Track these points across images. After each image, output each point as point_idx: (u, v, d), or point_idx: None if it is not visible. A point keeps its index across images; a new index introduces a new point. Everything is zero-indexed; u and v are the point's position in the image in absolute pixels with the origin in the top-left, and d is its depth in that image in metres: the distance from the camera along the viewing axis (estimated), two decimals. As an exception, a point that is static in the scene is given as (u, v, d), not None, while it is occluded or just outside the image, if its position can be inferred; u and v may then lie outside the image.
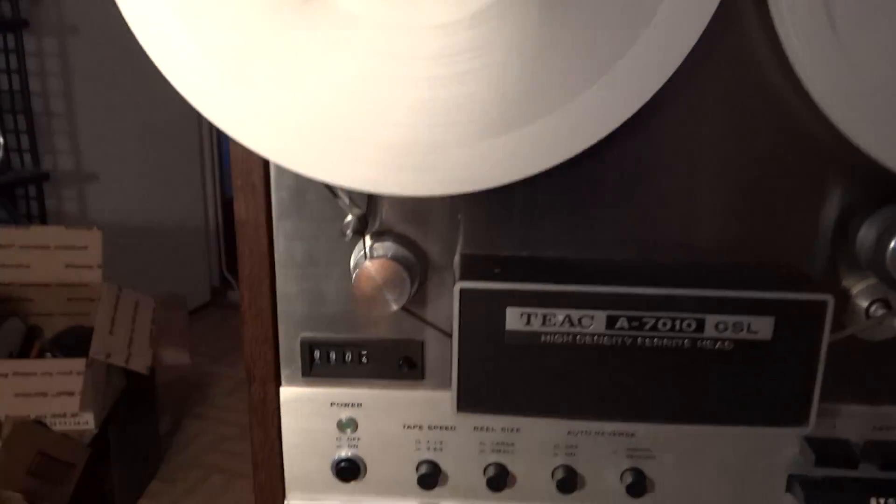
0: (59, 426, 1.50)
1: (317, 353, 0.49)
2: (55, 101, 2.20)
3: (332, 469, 0.50)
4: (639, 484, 0.49)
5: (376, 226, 0.45)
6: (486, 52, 0.36)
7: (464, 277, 0.42)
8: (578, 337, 0.41)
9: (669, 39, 0.35)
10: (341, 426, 0.50)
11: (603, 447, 0.49)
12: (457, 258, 0.46)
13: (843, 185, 0.44)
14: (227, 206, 3.00)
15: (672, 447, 0.49)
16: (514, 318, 0.41)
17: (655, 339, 0.41)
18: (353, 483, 0.50)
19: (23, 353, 1.56)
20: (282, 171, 0.44)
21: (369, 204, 0.45)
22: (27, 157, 2.07)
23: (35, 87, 2.09)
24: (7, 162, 1.96)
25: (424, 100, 0.36)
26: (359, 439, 0.50)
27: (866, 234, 0.42)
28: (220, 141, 2.92)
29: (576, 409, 0.43)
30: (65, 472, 1.58)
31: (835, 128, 0.38)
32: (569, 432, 0.49)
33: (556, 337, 0.42)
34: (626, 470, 0.50)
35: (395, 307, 0.43)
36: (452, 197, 0.45)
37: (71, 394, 1.38)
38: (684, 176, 0.44)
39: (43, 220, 2.09)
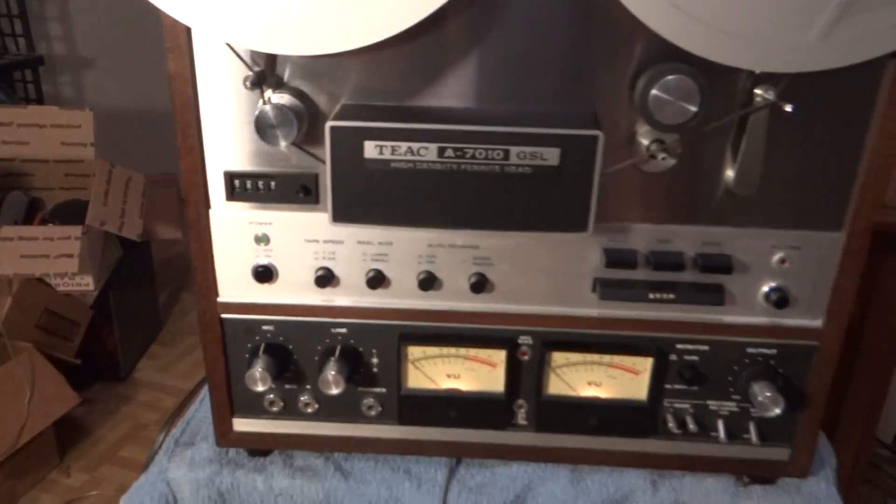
0: (62, 287, 1.68)
1: (236, 183, 0.63)
2: (45, -13, 2.27)
3: (251, 273, 0.66)
4: (481, 284, 0.64)
5: (276, 80, 0.59)
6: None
7: (336, 118, 0.56)
8: (418, 163, 0.56)
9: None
10: (257, 240, 0.65)
11: (455, 256, 0.64)
12: (338, 107, 0.59)
13: (636, 50, 0.57)
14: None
15: (507, 256, 0.64)
16: (370, 149, 0.56)
17: (475, 165, 0.55)
18: (267, 284, 0.66)
19: (26, 223, 1.72)
20: (201, 34, 0.58)
21: (267, 62, 0.58)
22: (22, 43, 2.16)
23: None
24: (2, 46, 2.06)
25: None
26: (272, 250, 0.65)
27: (640, 86, 0.55)
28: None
29: (420, 219, 0.58)
30: (70, 328, 1.77)
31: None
32: (429, 245, 0.64)
33: (402, 164, 0.56)
34: (473, 274, 0.65)
35: (283, 143, 0.57)
36: (338, 56, 0.58)
37: (70, 256, 1.55)
38: (517, 44, 0.57)
39: (40, 102, 2.21)
